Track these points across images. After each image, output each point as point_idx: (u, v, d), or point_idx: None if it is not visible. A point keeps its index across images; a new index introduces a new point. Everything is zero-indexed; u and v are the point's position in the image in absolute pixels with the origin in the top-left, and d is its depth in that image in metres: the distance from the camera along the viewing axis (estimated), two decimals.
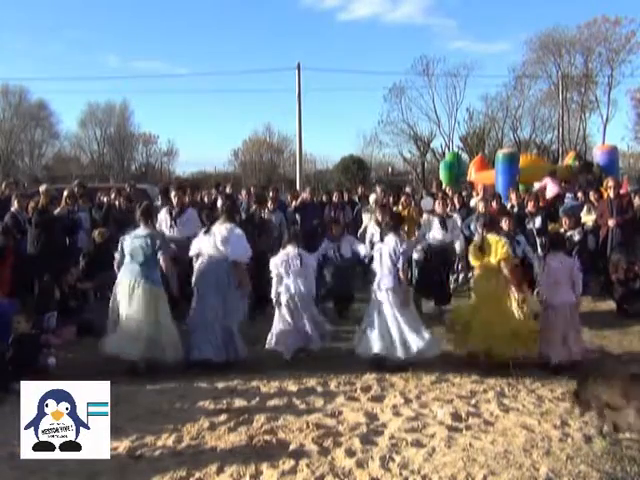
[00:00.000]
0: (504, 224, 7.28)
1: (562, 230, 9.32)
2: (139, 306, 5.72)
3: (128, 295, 5.74)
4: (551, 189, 12.01)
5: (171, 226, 8.17)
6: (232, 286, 6.05)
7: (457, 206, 10.13)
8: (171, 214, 8.31)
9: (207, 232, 6.24)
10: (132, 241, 5.86)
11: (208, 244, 6.14)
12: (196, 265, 6.23)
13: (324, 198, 12.19)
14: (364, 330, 6.03)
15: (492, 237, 6.06)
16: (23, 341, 5.64)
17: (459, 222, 9.52)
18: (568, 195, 11.36)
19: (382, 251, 6.01)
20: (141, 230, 5.93)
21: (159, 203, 10.45)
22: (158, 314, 5.82)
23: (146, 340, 5.72)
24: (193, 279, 6.22)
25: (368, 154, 41.18)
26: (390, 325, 5.86)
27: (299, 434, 4.29)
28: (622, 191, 10.34)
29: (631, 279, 8.05)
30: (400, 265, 5.84)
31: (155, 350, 5.76)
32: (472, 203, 10.69)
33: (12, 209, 8.63)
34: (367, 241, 9.08)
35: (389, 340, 5.82)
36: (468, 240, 9.54)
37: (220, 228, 6.16)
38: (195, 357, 5.93)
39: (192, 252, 6.37)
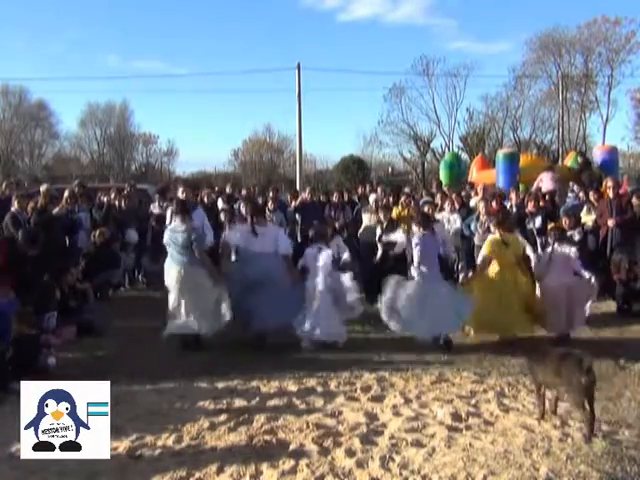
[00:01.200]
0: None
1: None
2: (190, 288, 6.46)
3: (177, 281, 6.47)
4: (546, 184, 11.97)
5: None
6: (284, 275, 6.83)
7: (457, 206, 10.11)
8: None
9: (254, 233, 6.90)
10: (172, 235, 6.59)
11: (259, 245, 6.84)
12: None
13: (322, 198, 12.16)
14: (410, 314, 6.49)
15: (509, 235, 6.99)
16: (23, 341, 5.64)
17: (458, 223, 9.52)
18: (569, 195, 11.35)
19: (430, 244, 6.74)
20: (179, 225, 6.63)
21: (156, 203, 10.49)
22: (206, 292, 6.49)
23: (199, 316, 6.45)
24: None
25: (368, 154, 41.23)
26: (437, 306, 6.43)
27: (299, 434, 4.29)
28: (621, 191, 10.33)
29: (632, 279, 8.05)
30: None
31: (204, 324, 6.46)
32: (472, 203, 10.68)
33: (12, 209, 8.62)
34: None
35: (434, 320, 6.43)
36: (468, 239, 9.56)
37: (268, 229, 7.08)
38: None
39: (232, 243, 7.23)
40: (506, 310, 6.57)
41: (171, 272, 6.56)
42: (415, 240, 6.74)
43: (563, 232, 7.38)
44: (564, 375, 4.20)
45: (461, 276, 10.01)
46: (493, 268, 6.83)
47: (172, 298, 6.55)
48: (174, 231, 6.62)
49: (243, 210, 9.42)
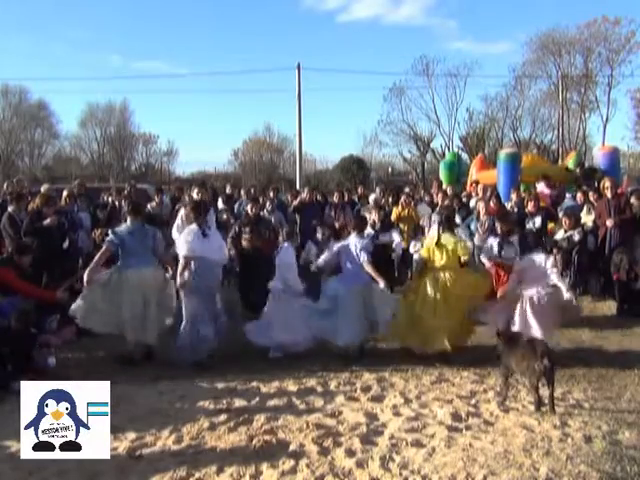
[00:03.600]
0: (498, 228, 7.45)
1: (562, 230, 9.33)
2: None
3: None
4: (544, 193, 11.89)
5: None
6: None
7: (456, 207, 10.11)
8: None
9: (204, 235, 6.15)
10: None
11: (208, 247, 6.12)
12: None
13: (319, 198, 12.12)
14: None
15: (449, 236, 6.33)
16: (18, 338, 5.60)
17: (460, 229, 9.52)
18: (568, 195, 11.33)
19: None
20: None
21: (154, 203, 10.48)
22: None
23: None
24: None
25: (368, 154, 41.38)
26: None
27: (299, 434, 4.29)
28: (620, 191, 10.31)
29: (632, 279, 8.04)
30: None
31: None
32: (472, 203, 10.69)
33: (9, 209, 8.59)
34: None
35: None
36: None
37: (214, 233, 6.43)
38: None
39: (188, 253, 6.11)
40: (424, 320, 6.13)
41: None
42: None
43: (508, 233, 7.06)
44: (525, 361, 4.68)
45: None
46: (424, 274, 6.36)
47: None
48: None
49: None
